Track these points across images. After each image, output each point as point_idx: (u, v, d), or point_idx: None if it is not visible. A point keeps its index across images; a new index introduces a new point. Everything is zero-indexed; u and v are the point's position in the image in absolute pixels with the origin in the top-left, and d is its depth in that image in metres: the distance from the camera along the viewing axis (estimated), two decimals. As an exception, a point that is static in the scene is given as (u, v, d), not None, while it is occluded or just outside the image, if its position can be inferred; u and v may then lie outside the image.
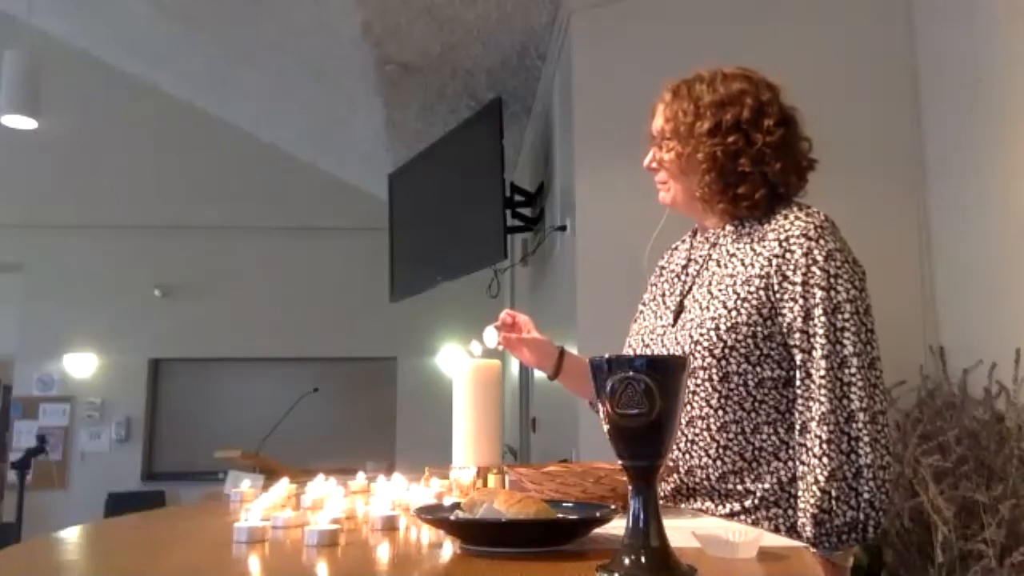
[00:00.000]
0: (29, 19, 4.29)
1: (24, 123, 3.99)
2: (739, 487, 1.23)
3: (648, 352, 1.35)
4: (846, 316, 1.18)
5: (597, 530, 0.87)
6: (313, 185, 6.80)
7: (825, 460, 1.15)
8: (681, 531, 0.83)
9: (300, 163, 6.60)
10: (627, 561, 0.71)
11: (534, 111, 4.49)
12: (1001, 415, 2.30)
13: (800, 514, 1.18)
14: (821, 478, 1.14)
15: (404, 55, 3.86)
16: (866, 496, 1.13)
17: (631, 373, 0.73)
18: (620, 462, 0.76)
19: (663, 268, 1.47)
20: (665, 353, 1.30)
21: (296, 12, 3.91)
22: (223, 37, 4.55)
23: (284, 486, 1.19)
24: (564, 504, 0.98)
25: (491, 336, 1.42)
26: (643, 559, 0.71)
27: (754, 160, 1.28)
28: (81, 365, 7.58)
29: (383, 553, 0.91)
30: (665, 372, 0.74)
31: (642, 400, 0.73)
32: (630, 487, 0.75)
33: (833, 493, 1.14)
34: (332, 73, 4.49)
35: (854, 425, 1.15)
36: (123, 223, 7.44)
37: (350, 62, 4.12)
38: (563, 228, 3.40)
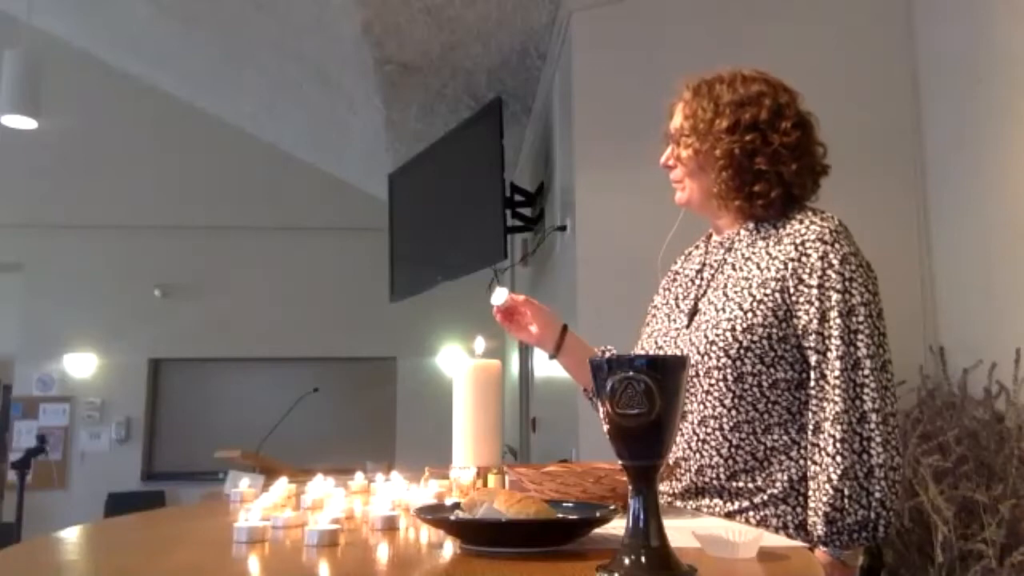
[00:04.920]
0: (29, 19, 4.30)
1: (24, 123, 3.99)
2: (750, 485, 1.24)
3: (661, 354, 1.35)
4: (860, 319, 1.19)
5: (597, 530, 0.87)
6: (313, 185, 6.80)
7: (838, 459, 1.16)
8: (681, 531, 0.83)
9: (300, 163, 6.60)
10: (627, 561, 0.71)
11: (534, 111, 4.49)
12: (1001, 415, 2.30)
13: (811, 513, 1.18)
14: (834, 477, 1.16)
15: (404, 55, 3.86)
16: (877, 496, 1.15)
17: (631, 373, 0.73)
18: (620, 462, 0.76)
19: (677, 273, 1.48)
20: (679, 354, 1.30)
21: (296, 12, 3.91)
22: (223, 37, 4.55)
23: (284, 486, 1.19)
24: (564, 504, 0.98)
25: (501, 294, 1.45)
26: (643, 559, 0.71)
27: (770, 159, 1.29)
28: (81, 365, 7.58)
29: (383, 553, 0.91)
30: (665, 372, 0.74)
31: (642, 400, 0.73)
32: (630, 487, 0.75)
33: (846, 492, 1.15)
34: (332, 73, 4.49)
35: (867, 426, 1.16)
36: (123, 223, 7.43)
37: (350, 62, 4.12)
38: (563, 228, 3.40)
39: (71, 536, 1.04)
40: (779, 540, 0.99)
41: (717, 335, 1.25)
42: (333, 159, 6.42)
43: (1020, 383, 2.25)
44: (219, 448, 4.07)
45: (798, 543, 0.99)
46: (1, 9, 4.80)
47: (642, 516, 0.73)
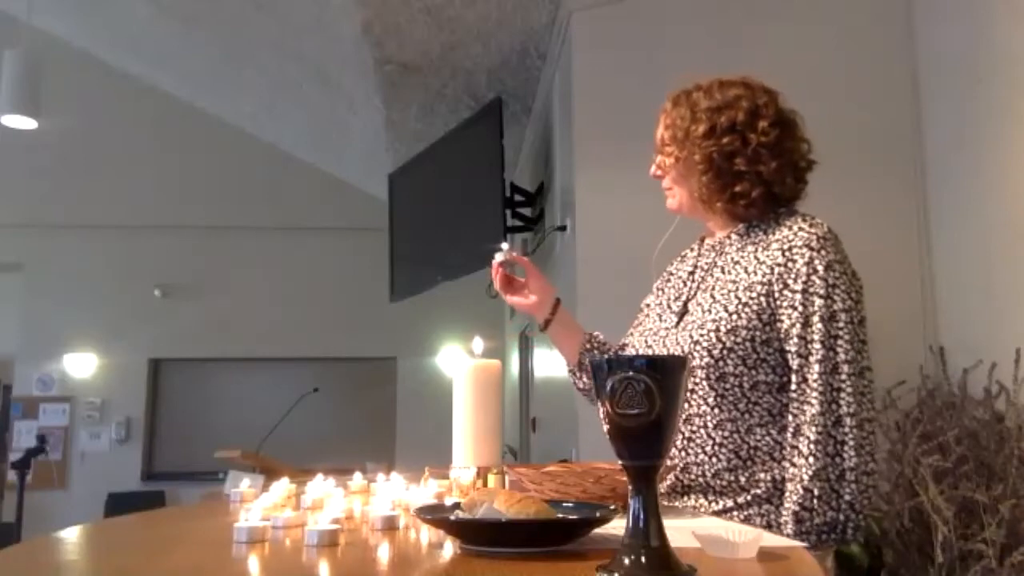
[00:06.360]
0: (29, 19, 4.30)
1: (24, 123, 3.99)
2: (733, 484, 1.26)
3: (650, 353, 1.36)
4: (840, 325, 1.21)
5: (597, 530, 0.87)
6: (313, 185, 6.81)
7: (811, 460, 1.18)
8: (681, 531, 0.83)
9: (300, 163, 6.61)
10: (627, 561, 0.71)
11: (534, 111, 4.49)
12: (1001, 415, 2.30)
13: (784, 512, 1.20)
14: (805, 477, 1.18)
15: (404, 55, 3.86)
16: (847, 498, 1.17)
17: (631, 373, 0.73)
18: (620, 462, 0.76)
19: (671, 274, 1.50)
20: (666, 354, 1.32)
21: (296, 12, 3.91)
22: (223, 37, 4.55)
23: (284, 486, 1.20)
24: (564, 504, 0.98)
25: (504, 250, 1.50)
26: (643, 559, 0.71)
27: (749, 160, 1.31)
28: (81, 365, 7.57)
29: (383, 553, 0.91)
30: (665, 372, 0.74)
31: (642, 400, 0.73)
32: (630, 487, 0.75)
33: (816, 492, 1.17)
34: (332, 73, 4.49)
35: (841, 429, 1.18)
36: (123, 223, 7.43)
37: (350, 62, 4.12)
38: (563, 228, 3.40)
39: (71, 536, 1.04)
40: (779, 540, 0.99)
41: (701, 335, 1.27)
42: (333, 159, 6.42)
43: (1020, 383, 2.25)
44: (219, 448, 4.07)
45: (797, 543, 0.99)
46: (1, 9, 4.80)
47: (642, 516, 0.73)
